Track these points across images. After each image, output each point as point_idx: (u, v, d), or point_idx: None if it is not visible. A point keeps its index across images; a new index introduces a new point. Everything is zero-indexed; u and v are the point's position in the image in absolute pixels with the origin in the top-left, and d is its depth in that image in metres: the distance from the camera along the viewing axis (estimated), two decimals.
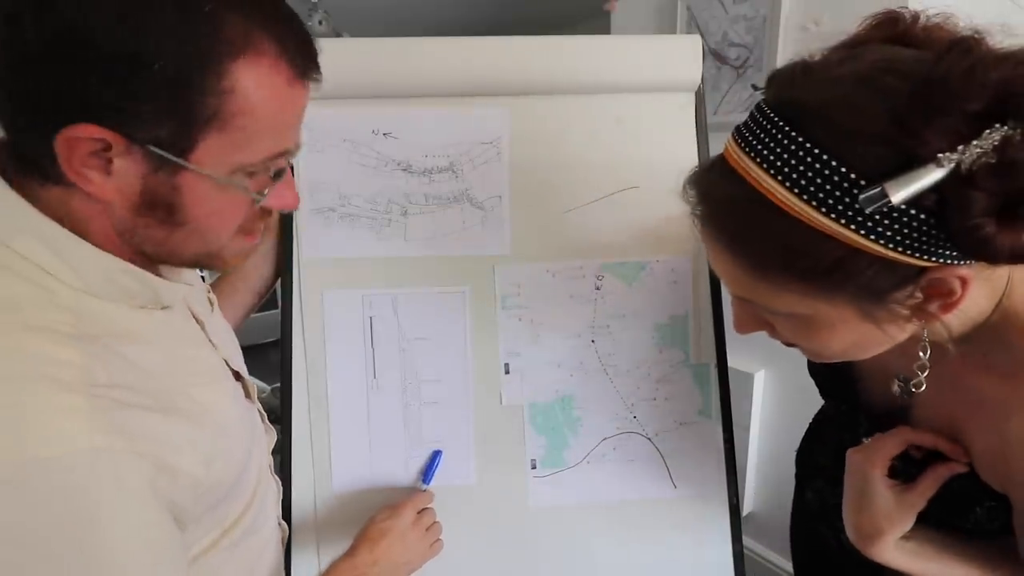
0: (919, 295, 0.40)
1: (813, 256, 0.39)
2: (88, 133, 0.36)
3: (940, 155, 0.34)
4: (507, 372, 0.82)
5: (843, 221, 0.37)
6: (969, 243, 0.36)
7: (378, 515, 0.72)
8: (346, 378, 0.81)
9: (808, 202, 0.38)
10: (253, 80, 0.39)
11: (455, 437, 0.82)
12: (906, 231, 0.36)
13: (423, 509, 0.76)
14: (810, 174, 0.37)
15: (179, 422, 0.44)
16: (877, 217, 0.36)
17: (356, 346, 0.81)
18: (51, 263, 0.40)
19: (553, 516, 0.83)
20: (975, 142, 0.33)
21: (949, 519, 0.52)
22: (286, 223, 0.80)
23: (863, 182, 0.36)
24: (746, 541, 0.86)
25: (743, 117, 0.44)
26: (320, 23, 2.51)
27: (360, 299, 0.81)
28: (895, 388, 0.54)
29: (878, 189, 0.35)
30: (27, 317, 0.38)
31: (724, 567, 0.84)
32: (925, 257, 0.37)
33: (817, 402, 0.71)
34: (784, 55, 1.47)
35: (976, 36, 0.36)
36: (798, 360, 0.61)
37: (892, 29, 0.42)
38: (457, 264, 0.82)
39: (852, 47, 0.42)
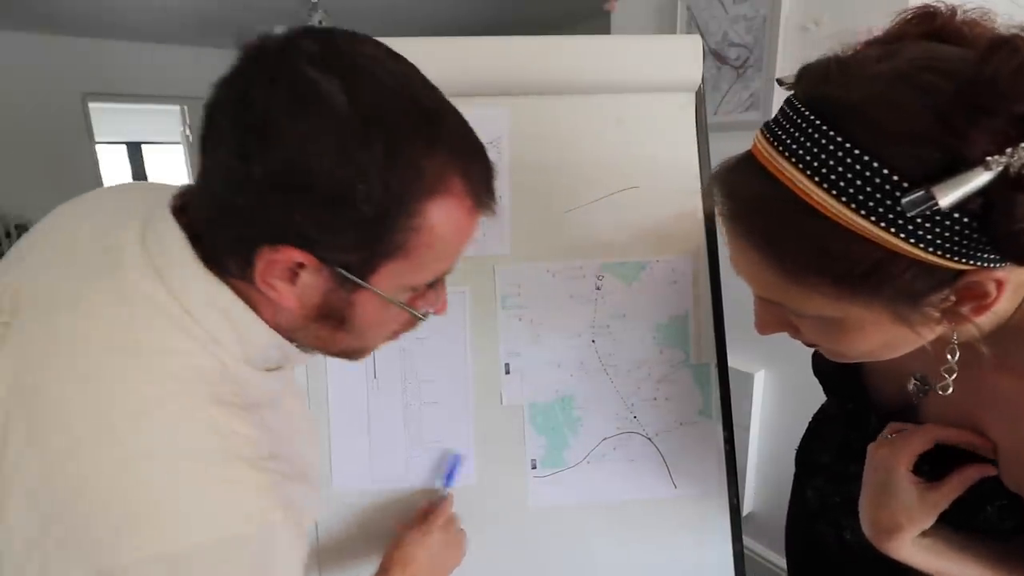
0: (953, 297, 0.39)
1: (850, 259, 0.38)
2: (289, 256, 0.39)
3: (988, 158, 0.33)
4: (507, 372, 0.83)
5: (883, 224, 0.36)
6: (1014, 248, 0.35)
7: (406, 535, 0.71)
8: (346, 378, 0.81)
9: (847, 204, 0.36)
10: (439, 216, 0.41)
11: (455, 437, 0.82)
12: (947, 235, 0.35)
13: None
14: (849, 175, 0.36)
15: (305, 487, 0.47)
16: (919, 220, 0.35)
17: None
18: (223, 334, 0.42)
19: (553, 516, 0.83)
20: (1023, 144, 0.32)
21: (960, 517, 0.52)
22: None
23: (906, 184, 0.35)
24: (746, 541, 0.86)
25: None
26: (320, 23, 2.51)
27: None
28: (911, 387, 0.53)
29: (922, 192, 0.34)
30: (213, 390, 0.40)
31: (724, 567, 0.84)
32: (965, 260, 0.36)
33: (817, 402, 0.71)
34: (784, 55, 1.47)
35: (1022, 34, 0.35)
36: (798, 360, 0.61)
37: (929, 24, 0.40)
38: (457, 264, 0.82)
39: (888, 43, 0.40)
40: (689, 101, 0.84)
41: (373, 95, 0.37)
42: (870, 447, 0.54)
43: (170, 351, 0.39)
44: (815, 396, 0.71)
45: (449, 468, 0.81)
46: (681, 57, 0.81)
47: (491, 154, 0.84)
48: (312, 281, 0.41)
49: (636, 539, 0.84)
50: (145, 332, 0.39)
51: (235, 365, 0.42)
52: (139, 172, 6.64)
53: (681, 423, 0.84)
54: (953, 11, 0.41)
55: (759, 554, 1.66)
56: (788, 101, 0.41)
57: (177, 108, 3.97)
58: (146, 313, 0.40)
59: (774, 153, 0.40)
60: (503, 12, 3.13)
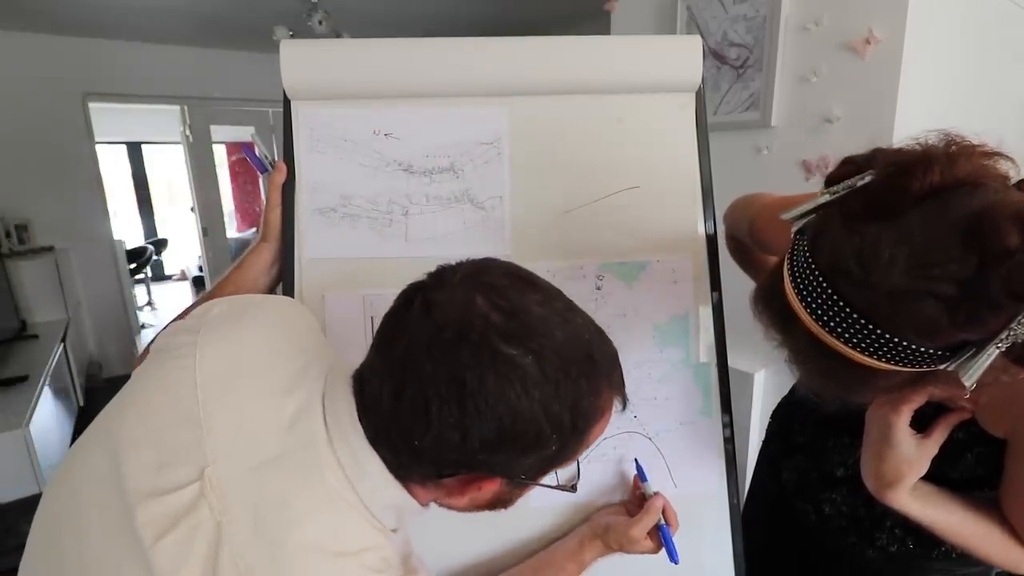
0: None
1: (906, 378, 0.45)
2: (479, 481, 0.46)
3: (999, 343, 0.39)
4: None
5: (931, 367, 0.43)
6: None
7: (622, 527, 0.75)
8: None
9: (896, 365, 0.43)
10: (600, 429, 0.48)
11: None
12: None
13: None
14: (893, 351, 0.42)
15: None
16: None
17: (357, 346, 0.80)
18: (390, 520, 0.49)
19: (553, 516, 0.83)
20: (1023, 319, 0.38)
21: (943, 466, 0.59)
22: (287, 223, 0.80)
23: (939, 352, 0.42)
24: None
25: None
26: (320, 23, 2.51)
27: (361, 299, 0.81)
28: None
29: (956, 363, 0.41)
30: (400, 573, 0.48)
31: (724, 567, 0.84)
32: None
33: None
34: (784, 55, 1.47)
35: (1005, 212, 0.39)
36: None
37: (921, 185, 0.43)
38: None
39: (890, 214, 0.43)
40: (689, 101, 0.84)
41: (554, 355, 0.43)
42: (871, 408, 0.60)
43: (369, 547, 0.45)
44: None
45: (640, 473, 0.81)
46: (681, 57, 0.81)
47: (491, 154, 0.85)
48: (490, 488, 0.47)
49: None
50: (348, 534, 0.45)
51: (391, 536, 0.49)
52: (139, 172, 6.64)
53: (681, 423, 0.84)
54: (931, 159, 0.43)
55: None
56: (817, 281, 0.45)
57: (177, 108, 3.97)
58: (346, 517, 0.45)
59: (824, 332, 0.45)
60: (503, 12, 3.13)
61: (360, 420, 0.46)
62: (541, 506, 0.83)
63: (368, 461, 0.46)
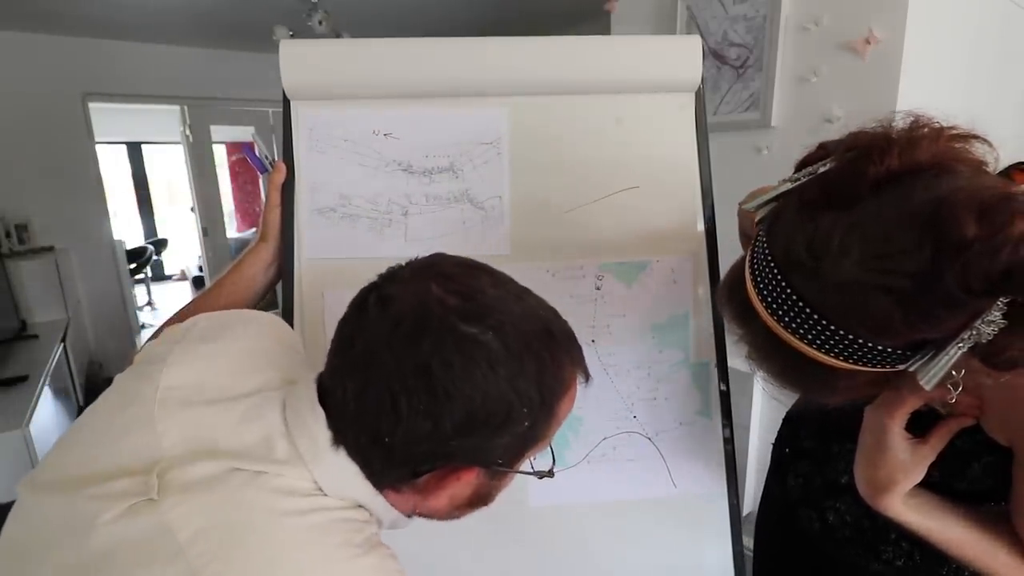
0: None
1: (869, 379, 0.43)
2: (455, 472, 0.45)
3: (961, 343, 0.37)
4: None
5: (891, 366, 0.41)
6: (1007, 369, 0.38)
7: None
8: None
9: (854, 364, 0.41)
10: (566, 404, 0.48)
11: None
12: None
13: None
14: (851, 349, 0.40)
15: None
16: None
17: None
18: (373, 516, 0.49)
19: (553, 516, 0.83)
20: (986, 318, 0.36)
21: (947, 476, 0.56)
22: (287, 223, 0.80)
23: (899, 352, 0.39)
24: (746, 541, 0.87)
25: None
26: (320, 23, 2.51)
27: None
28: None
29: (918, 364, 0.39)
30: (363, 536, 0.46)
31: (724, 567, 0.84)
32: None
33: None
34: (784, 55, 1.47)
35: (957, 206, 0.36)
36: None
37: (879, 169, 0.40)
38: None
39: (846, 202, 0.41)
40: (689, 101, 0.84)
41: (514, 329, 0.43)
42: (866, 410, 0.57)
43: (322, 508, 0.44)
44: None
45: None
46: (681, 57, 0.81)
47: (491, 154, 0.85)
48: (468, 481, 0.47)
49: (636, 539, 0.84)
50: (297, 499, 0.43)
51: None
52: (139, 172, 6.64)
53: (681, 423, 0.84)
54: (888, 145, 0.41)
55: None
56: (770, 268, 0.43)
57: (177, 108, 3.96)
58: (295, 487, 0.44)
59: (779, 327, 0.43)
60: (503, 12, 3.13)
61: (327, 421, 0.45)
62: (542, 506, 0.83)
63: (343, 472, 0.45)
